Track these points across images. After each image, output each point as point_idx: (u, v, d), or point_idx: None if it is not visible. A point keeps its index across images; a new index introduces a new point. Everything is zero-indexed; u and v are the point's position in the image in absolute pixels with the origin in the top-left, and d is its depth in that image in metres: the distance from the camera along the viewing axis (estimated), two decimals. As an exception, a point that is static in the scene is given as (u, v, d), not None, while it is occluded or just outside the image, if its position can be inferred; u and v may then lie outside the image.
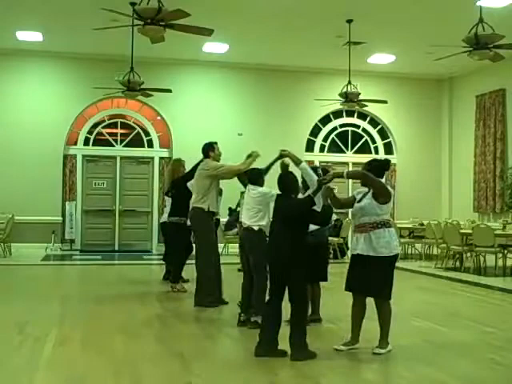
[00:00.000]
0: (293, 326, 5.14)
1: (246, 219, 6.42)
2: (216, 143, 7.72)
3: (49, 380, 4.55)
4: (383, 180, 5.59)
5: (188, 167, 8.85)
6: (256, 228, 6.29)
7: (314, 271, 6.08)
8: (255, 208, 6.33)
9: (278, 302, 5.21)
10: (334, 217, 10.17)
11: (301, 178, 6.03)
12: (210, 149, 7.63)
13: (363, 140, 16.70)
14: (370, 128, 16.71)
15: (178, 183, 8.99)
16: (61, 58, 14.62)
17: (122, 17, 8.85)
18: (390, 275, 5.29)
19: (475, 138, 15.53)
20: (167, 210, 10.07)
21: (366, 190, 5.40)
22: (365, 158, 15.85)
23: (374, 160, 5.69)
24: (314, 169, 6.19)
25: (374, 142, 16.75)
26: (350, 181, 16.21)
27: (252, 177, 6.49)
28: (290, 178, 5.46)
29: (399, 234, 13.50)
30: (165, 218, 10.00)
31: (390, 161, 5.67)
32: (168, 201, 9.96)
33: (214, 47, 14.04)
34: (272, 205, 5.71)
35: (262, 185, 6.46)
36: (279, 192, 5.47)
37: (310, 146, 16.29)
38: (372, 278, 5.20)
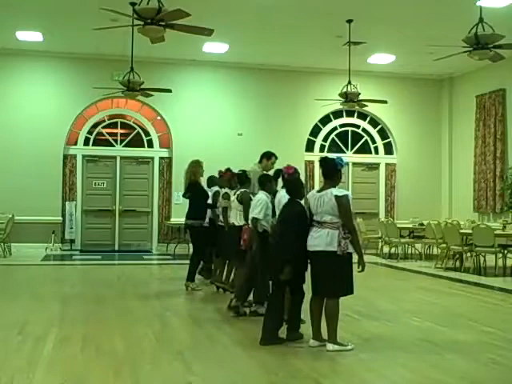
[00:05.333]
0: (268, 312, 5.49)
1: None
2: (274, 154, 7.84)
3: (49, 380, 4.55)
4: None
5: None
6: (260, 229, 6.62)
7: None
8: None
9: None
10: None
11: None
12: (265, 156, 7.81)
13: (363, 140, 16.69)
14: (369, 128, 16.70)
15: (194, 186, 8.86)
16: (61, 57, 14.61)
17: (122, 17, 8.85)
18: None
19: (475, 138, 15.52)
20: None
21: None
22: (365, 158, 16.30)
23: (325, 159, 5.48)
24: None
25: (373, 141, 16.74)
26: (350, 182, 16.28)
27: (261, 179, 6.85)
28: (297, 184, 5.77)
29: (399, 234, 13.52)
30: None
31: (338, 159, 5.38)
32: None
33: (214, 47, 14.03)
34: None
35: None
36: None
37: (309, 146, 16.28)
38: None
